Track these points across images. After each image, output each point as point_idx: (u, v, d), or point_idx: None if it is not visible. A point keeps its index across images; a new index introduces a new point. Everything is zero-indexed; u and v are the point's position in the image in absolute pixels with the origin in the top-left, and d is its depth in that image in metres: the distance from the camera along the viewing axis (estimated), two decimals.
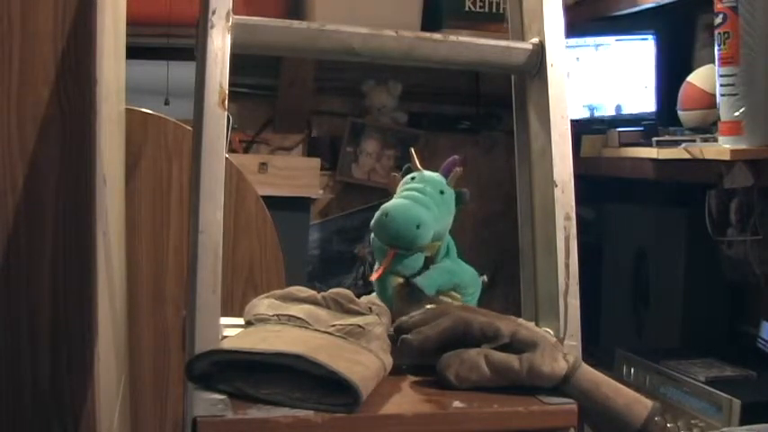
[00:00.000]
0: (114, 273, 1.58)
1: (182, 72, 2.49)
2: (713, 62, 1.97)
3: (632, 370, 2.11)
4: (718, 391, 1.84)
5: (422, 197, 1.23)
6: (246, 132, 2.85)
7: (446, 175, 1.28)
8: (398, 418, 1.02)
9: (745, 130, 1.87)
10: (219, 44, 1.13)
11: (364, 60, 1.28)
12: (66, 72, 1.26)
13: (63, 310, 1.29)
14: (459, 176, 1.27)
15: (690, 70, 2.32)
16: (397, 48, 1.26)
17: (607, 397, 1.11)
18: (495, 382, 1.10)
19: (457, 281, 1.26)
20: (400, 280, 1.24)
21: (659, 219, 2.45)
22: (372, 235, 1.24)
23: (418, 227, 1.19)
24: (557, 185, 1.24)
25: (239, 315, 1.20)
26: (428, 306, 1.21)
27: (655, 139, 2.23)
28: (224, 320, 1.13)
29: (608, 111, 2.64)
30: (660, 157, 2.19)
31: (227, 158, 1.14)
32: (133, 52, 1.86)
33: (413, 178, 1.28)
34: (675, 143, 2.15)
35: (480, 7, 2.76)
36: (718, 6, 1.89)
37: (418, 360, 1.15)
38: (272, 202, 2.09)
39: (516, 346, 1.12)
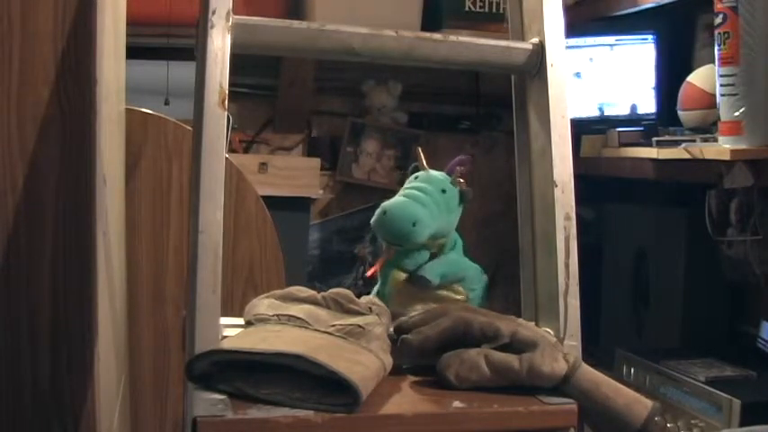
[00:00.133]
0: (114, 273, 1.58)
1: (182, 72, 2.49)
2: (713, 62, 1.97)
3: (632, 370, 2.11)
4: (718, 391, 1.84)
5: (420, 195, 1.25)
6: (246, 132, 2.85)
7: (450, 174, 1.29)
8: (398, 418, 1.03)
9: (745, 130, 1.87)
10: (219, 44, 1.13)
11: (364, 60, 1.28)
12: (66, 72, 1.26)
13: (63, 310, 1.29)
14: (463, 175, 1.28)
15: (690, 70, 2.32)
16: (397, 48, 1.26)
17: (607, 397, 1.11)
18: (495, 382, 1.10)
19: (461, 274, 1.28)
20: (403, 276, 1.25)
21: (659, 219, 2.45)
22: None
23: (414, 224, 1.22)
24: (557, 185, 1.24)
25: (239, 315, 1.20)
26: (428, 306, 1.21)
27: (655, 139, 2.23)
28: (224, 320, 1.13)
29: (608, 111, 2.64)
30: (660, 157, 2.19)
31: (227, 158, 1.14)
32: (133, 52, 1.86)
33: (416, 177, 1.30)
34: (675, 143, 2.14)
35: (480, 7, 2.76)
36: (718, 6, 1.89)
37: (418, 360, 1.15)
38: (272, 202, 2.09)
39: (516, 346, 1.12)
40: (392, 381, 1.10)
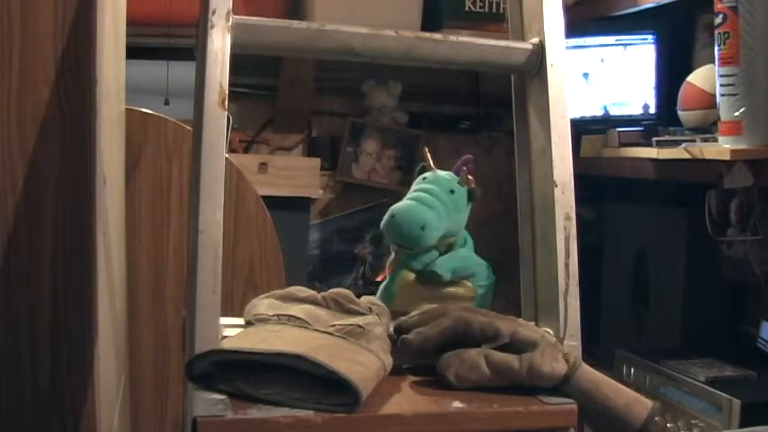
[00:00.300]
0: (114, 273, 1.58)
1: (182, 72, 2.49)
2: (713, 62, 1.97)
3: (632, 370, 2.11)
4: (718, 391, 1.84)
5: (428, 198, 1.26)
6: (246, 132, 2.85)
7: (458, 174, 1.30)
8: (398, 418, 1.03)
9: (745, 130, 1.87)
10: (219, 44, 1.13)
11: (364, 60, 1.28)
12: (66, 72, 1.26)
13: (63, 310, 1.29)
14: (471, 173, 1.29)
15: (690, 70, 2.32)
16: (397, 48, 1.26)
17: (607, 397, 1.11)
18: (495, 382, 1.10)
19: (471, 269, 1.29)
20: (412, 276, 1.26)
21: (659, 219, 2.45)
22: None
23: (423, 228, 1.23)
24: (557, 185, 1.24)
25: (239, 315, 1.20)
26: (428, 306, 1.21)
27: (655, 139, 2.23)
28: (224, 320, 1.13)
29: (611, 111, 2.64)
30: (660, 157, 2.19)
31: (227, 158, 1.14)
32: (133, 52, 1.86)
33: (424, 178, 1.31)
34: (675, 143, 2.14)
35: (480, 7, 2.76)
36: (718, 6, 1.89)
37: (418, 360, 1.15)
38: (272, 202, 2.09)
39: (516, 346, 1.12)
40: (392, 381, 1.10)
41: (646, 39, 2.58)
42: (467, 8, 2.75)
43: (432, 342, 1.13)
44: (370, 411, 1.01)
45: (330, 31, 1.23)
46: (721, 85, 1.91)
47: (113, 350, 1.55)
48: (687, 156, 2.05)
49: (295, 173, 2.70)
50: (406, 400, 1.07)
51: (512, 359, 1.10)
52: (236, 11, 1.16)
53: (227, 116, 1.13)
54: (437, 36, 1.30)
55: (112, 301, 1.54)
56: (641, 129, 2.38)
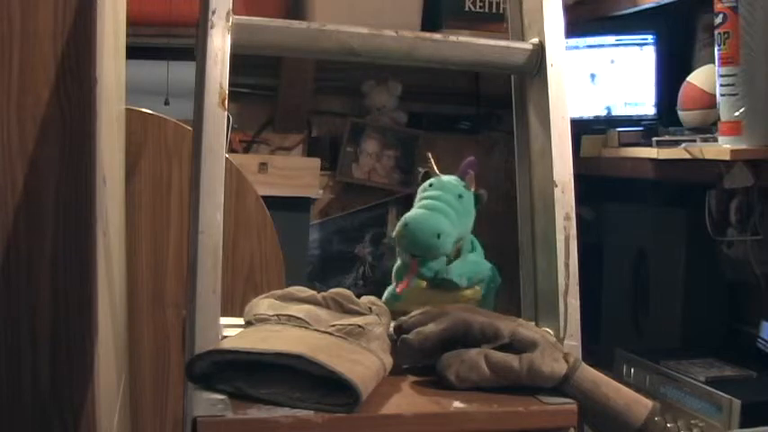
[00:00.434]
0: (114, 273, 1.58)
1: (182, 72, 2.49)
2: (713, 62, 1.97)
3: (632, 370, 2.11)
4: (718, 391, 1.84)
5: (440, 205, 1.25)
6: (246, 132, 2.85)
7: (463, 178, 1.29)
8: (398, 418, 1.03)
9: (745, 130, 1.87)
10: (219, 44, 1.13)
11: (364, 60, 1.28)
12: (66, 72, 1.26)
13: (63, 310, 1.29)
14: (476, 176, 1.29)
15: (690, 70, 2.32)
16: (397, 48, 1.26)
17: (607, 397, 1.11)
18: (495, 382, 1.10)
19: (482, 275, 1.29)
20: (423, 283, 1.25)
21: (659, 219, 2.45)
22: (396, 246, 1.27)
23: (438, 236, 1.22)
24: (557, 185, 1.24)
25: (239, 315, 1.20)
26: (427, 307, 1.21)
27: (655, 139, 2.23)
28: (224, 320, 1.13)
29: (613, 111, 2.64)
30: (660, 157, 2.19)
31: (227, 158, 1.14)
32: (133, 52, 1.86)
33: (431, 185, 1.30)
34: (675, 143, 2.14)
35: (480, 7, 2.76)
36: (718, 6, 1.89)
37: (418, 360, 1.15)
38: (272, 202, 2.09)
39: (516, 346, 1.12)
40: (392, 381, 1.10)
41: (646, 39, 2.58)
42: (467, 8, 2.75)
43: (432, 342, 1.13)
44: (370, 411, 1.01)
45: (330, 31, 1.23)
46: (721, 85, 1.91)
47: (113, 350, 1.55)
48: (687, 156, 2.05)
49: (295, 173, 2.71)
50: (406, 400, 1.07)
51: (512, 359, 1.10)
52: (236, 11, 1.16)
53: (227, 116, 1.13)
54: (437, 36, 1.30)
55: (112, 301, 1.54)
56: (641, 129, 2.38)
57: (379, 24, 1.27)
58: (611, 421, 1.11)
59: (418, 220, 1.23)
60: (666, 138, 2.21)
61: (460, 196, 1.28)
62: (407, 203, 2.83)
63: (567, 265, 1.22)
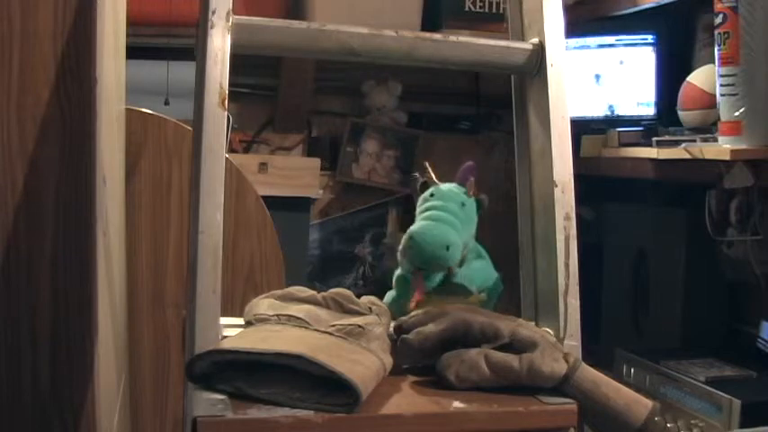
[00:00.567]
0: (114, 273, 1.58)
1: (182, 72, 2.49)
2: (713, 62, 1.97)
3: (632, 370, 2.11)
4: (718, 391, 1.84)
5: (445, 216, 1.24)
6: (246, 132, 2.85)
7: (463, 184, 1.28)
8: (398, 418, 1.03)
9: (745, 130, 1.87)
10: (219, 44, 1.13)
11: (364, 60, 1.28)
12: (66, 72, 1.26)
13: (63, 310, 1.29)
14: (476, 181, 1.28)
15: (690, 70, 2.32)
16: (397, 48, 1.26)
17: (607, 397, 1.11)
18: (495, 382, 1.10)
19: (490, 281, 1.29)
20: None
21: (659, 219, 2.45)
22: (400, 258, 1.25)
23: (447, 248, 1.21)
24: (557, 185, 1.24)
25: (239, 315, 1.20)
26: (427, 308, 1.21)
27: (655, 139, 2.23)
28: (224, 320, 1.13)
29: (614, 111, 2.64)
30: (660, 157, 2.19)
31: (227, 158, 1.14)
32: (133, 52, 1.86)
33: (432, 195, 1.28)
34: (675, 143, 2.14)
35: (480, 7, 2.76)
36: (718, 6, 1.89)
37: (418, 360, 1.15)
38: (272, 202, 2.09)
39: (516, 346, 1.12)
40: (392, 381, 1.10)
41: (646, 39, 2.58)
42: (467, 8, 2.75)
43: (432, 342, 1.13)
44: (370, 411, 1.01)
45: (330, 31, 1.23)
46: (721, 85, 1.91)
47: (113, 350, 1.55)
48: (687, 156, 2.05)
49: (295, 173, 2.71)
50: (406, 400, 1.07)
51: (512, 359, 1.10)
52: (236, 11, 1.16)
53: (227, 116, 1.13)
54: (437, 36, 1.30)
55: (112, 301, 1.54)
56: (641, 129, 2.38)
57: (379, 24, 1.26)
58: (611, 421, 1.11)
59: (425, 233, 1.22)
60: (666, 138, 2.21)
61: (463, 204, 1.26)
62: (407, 203, 2.85)
63: (567, 265, 1.22)
